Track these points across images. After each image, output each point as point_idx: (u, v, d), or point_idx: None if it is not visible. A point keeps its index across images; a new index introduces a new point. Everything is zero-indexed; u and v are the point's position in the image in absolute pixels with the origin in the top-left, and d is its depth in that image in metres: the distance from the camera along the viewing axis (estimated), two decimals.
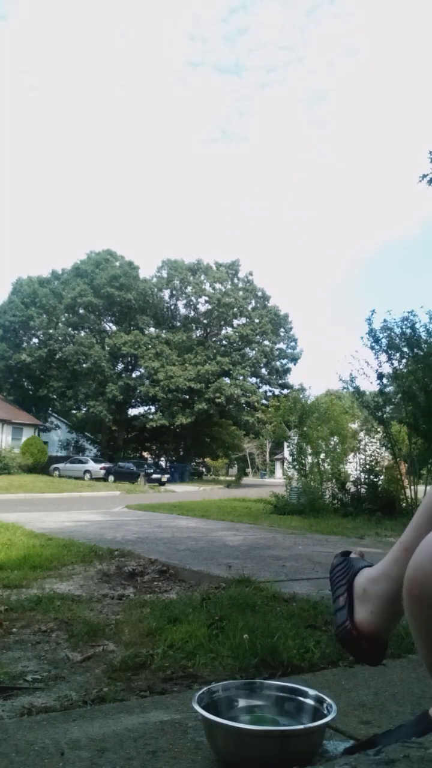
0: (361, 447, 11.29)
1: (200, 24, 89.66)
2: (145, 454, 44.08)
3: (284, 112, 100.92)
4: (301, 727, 1.25)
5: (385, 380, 10.35)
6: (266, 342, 39.64)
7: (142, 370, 37.88)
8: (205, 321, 41.15)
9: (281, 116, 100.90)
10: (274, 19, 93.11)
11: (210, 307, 39.89)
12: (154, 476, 29.59)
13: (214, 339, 40.83)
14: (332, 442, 11.55)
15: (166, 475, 31.17)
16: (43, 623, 2.56)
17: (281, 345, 41.13)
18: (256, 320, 39.25)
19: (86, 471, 29.50)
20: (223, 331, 40.90)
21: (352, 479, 11.07)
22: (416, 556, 0.80)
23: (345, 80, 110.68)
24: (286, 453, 14.64)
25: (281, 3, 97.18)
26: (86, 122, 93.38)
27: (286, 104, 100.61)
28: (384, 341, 10.11)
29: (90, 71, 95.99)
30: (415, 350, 9.83)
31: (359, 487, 10.79)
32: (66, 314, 38.31)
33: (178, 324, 41.36)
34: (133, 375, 38.94)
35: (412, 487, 10.05)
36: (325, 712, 1.31)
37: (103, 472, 29.11)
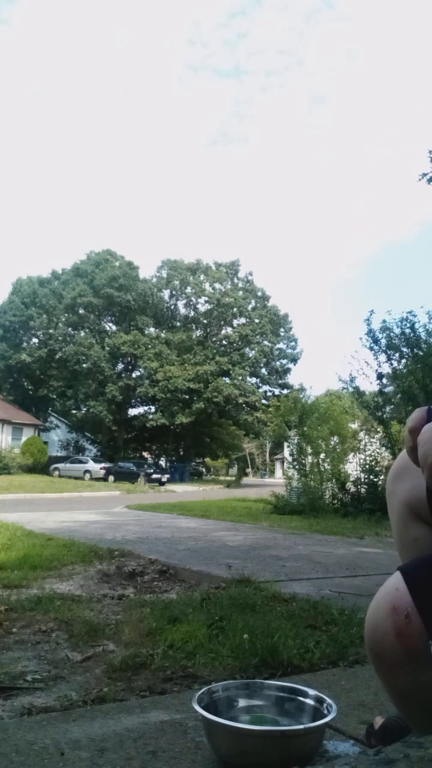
0: (361, 447, 11.28)
1: (200, 28, 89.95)
2: (145, 454, 44.06)
3: (284, 115, 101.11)
4: (301, 727, 1.25)
5: (384, 380, 10.36)
6: (266, 342, 39.61)
7: (142, 371, 37.88)
8: (204, 321, 41.14)
9: (281, 119, 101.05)
10: (273, 23, 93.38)
11: (210, 307, 39.87)
12: (154, 476, 29.57)
13: (213, 339, 40.83)
14: (332, 442, 11.54)
15: (166, 475, 31.16)
16: (43, 623, 2.56)
17: (281, 345, 41.10)
18: (256, 320, 39.24)
19: (86, 471, 29.48)
20: (223, 331, 40.89)
21: (352, 479, 11.06)
22: (370, 615, 0.72)
23: (344, 83, 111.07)
24: (286, 453, 14.64)
25: (280, 7, 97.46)
26: (86, 123, 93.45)
27: (286, 107, 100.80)
28: (383, 341, 10.12)
29: (90, 73, 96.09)
30: (415, 350, 9.83)
31: (359, 487, 10.78)
32: (66, 314, 38.29)
33: (178, 324, 41.34)
34: (133, 375, 38.94)
35: None
36: (325, 712, 1.31)
37: (103, 472, 29.08)
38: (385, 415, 10.39)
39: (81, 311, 38.32)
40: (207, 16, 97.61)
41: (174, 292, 40.88)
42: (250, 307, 40.08)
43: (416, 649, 0.66)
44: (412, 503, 0.97)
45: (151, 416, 37.93)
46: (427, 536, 0.93)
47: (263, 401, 35.99)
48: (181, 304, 41.62)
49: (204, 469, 46.89)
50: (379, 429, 10.81)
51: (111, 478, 28.74)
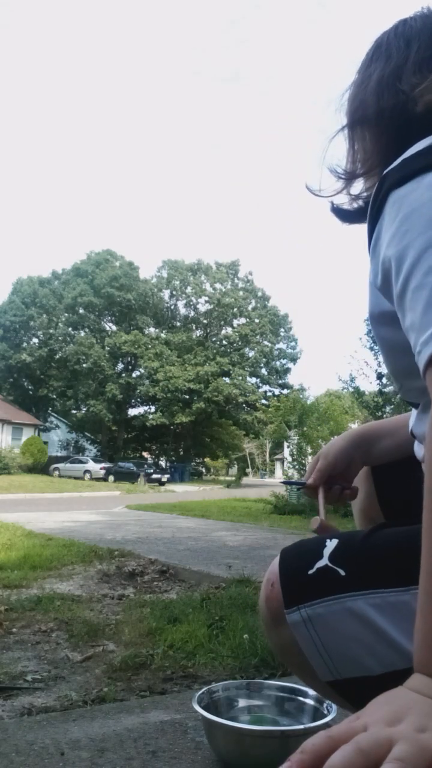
0: None
1: (201, 33, 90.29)
2: (145, 454, 44.04)
3: (284, 116, 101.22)
4: (301, 727, 1.25)
5: (384, 380, 10.37)
6: (266, 342, 39.62)
7: (142, 370, 37.88)
8: (204, 321, 41.14)
9: (281, 120, 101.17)
10: (272, 26, 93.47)
11: (210, 307, 39.88)
12: (154, 476, 29.54)
13: (213, 339, 40.82)
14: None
15: (166, 475, 31.13)
16: (43, 623, 2.56)
17: (281, 345, 41.11)
18: (256, 320, 39.24)
19: (86, 471, 29.47)
20: (223, 332, 40.89)
21: None
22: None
23: (346, 79, 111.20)
24: (286, 453, 14.65)
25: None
26: (87, 123, 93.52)
27: (286, 108, 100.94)
28: None
29: (91, 73, 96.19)
30: None
31: None
32: (66, 314, 38.30)
33: (178, 324, 41.34)
34: (133, 375, 38.94)
35: None
36: (325, 712, 1.31)
37: (103, 472, 29.07)
38: (385, 415, 10.40)
39: (81, 311, 38.33)
40: (207, 19, 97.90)
41: (174, 292, 40.89)
42: (250, 308, 40.08)
43: (276, 610, 0.76)
44: (367, 511, 1.03)
45: (151, 416, 37.93)
46: None
47: (263, 401, 35.97)
48: (181, 304, 41.66)
49: (204, 469, 46.85)
50: None
51: (111, 478, 28.73)
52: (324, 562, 0.73)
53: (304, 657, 0.73)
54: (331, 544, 0.75)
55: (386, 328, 0.72)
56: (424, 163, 0.63)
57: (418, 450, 0.79)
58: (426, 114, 0.71)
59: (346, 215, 0.86)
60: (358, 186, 0.83)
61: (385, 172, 0.68)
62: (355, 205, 0.84)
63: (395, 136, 0.75)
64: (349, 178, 0.82)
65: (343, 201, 0.85)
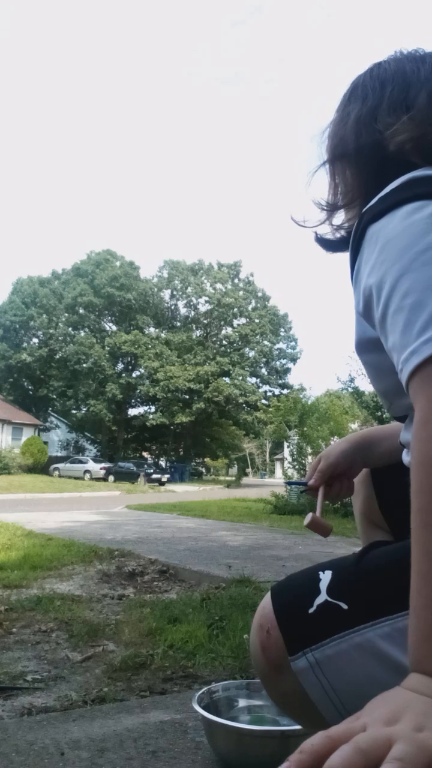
0: None
1: (202, 35, 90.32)
2: (145, 454, 44.02)
3: (284, 117, 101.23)
4: (301, 727, 1.25)
5: None
6: (266, 342, 39.62)
7: (142, 370, 37.88)
8: (205, 321, 41.13)
9: (281, 120, 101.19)
10: (272, 26, 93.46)
11: (210, 307, 39.87)
12: (154, 476, 29.53)
13: (213, 339, 40.82)
14: (332, 442, 11.53)
15: (166, 475, 31.11)
16: (43, 623, 2.56)
17: (281, 345, 41.12)
18: (256, 320, 39.24)
19: (86, 471, 29.46)
20: (223, 331, 40.88)
21: None
22: (250, 633, 0.77)
23: (346, 82, 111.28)
24: (286, 453, 14.65)
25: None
26: (87, 123, 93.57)
27: (286, 110, 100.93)
28: None
29: (92, 73, 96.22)
30: None
31: None
32: (66, 314, 38.30)
33: (178, 324, 41.34)
34: (133, 375, 38.94)
35: None
36: None
37: (103, 472, 29.06)
38: (384, 415, 10.40)
39: (81, 311, 38.32)
40: (208, 21, 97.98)
41: (175, 293, 40.89)
42: (250, 308, 40.08)
43: (277, 659, 0.70)
44: (367, 514, 1.05)
45: (151, 416, 37.92)
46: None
47: (263, 401, 35.96)
48: (181, 304, 41.65)
49: (204, 469, 46.85)
50: None
51: (111, 478, 28.72)
52: (323, 597, 0.68)
53: (311, 704, 0.69)
54: (325, 577, 0.71)
55: (372, 354, 0.76)
56: (398, 198, 0.68)
57: (406, 457, 0.80)
58: (398, 154, 0.76)
59: (329, 245, 0.91)
60: (340, 217, 0.89)
61: (364, 209, 0.74)
62: (338, 235, 0.90)
63: (374, 171, 0.80)
64: (331, 209, 0.87)
65: (326, 231, 0.90)
